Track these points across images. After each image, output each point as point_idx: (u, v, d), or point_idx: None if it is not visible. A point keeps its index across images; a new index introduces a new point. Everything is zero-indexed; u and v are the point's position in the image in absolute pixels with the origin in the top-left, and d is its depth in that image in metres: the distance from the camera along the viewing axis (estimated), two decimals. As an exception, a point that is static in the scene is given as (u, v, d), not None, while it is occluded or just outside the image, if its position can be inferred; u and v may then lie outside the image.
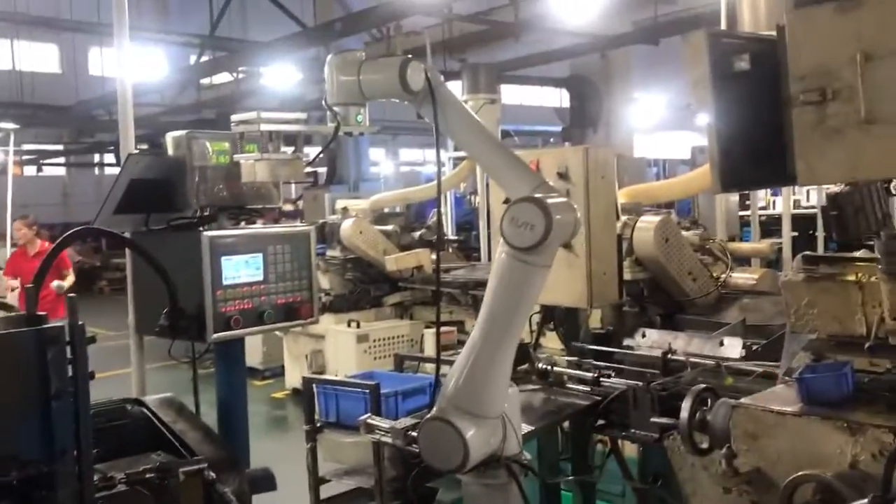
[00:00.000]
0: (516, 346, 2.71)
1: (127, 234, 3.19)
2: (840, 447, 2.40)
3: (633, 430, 3.67)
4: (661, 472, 3.69)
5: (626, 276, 5.49)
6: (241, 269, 3.04)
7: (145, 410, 3.00)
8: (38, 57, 23.88)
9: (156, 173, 3.12)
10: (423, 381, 5.38)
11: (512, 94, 30.98)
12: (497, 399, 2.64)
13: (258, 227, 3.18)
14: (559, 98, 21.77)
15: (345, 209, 9.66)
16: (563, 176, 4.07)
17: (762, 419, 2.57)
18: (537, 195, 2.59)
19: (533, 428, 3.78)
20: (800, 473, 2.32)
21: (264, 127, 2.76)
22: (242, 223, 3.28)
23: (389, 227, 9.56)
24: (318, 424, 4.80)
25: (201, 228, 3.01)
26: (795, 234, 9.42)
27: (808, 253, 3.04)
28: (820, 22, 2.13)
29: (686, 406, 2.80)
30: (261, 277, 3.10)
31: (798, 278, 2.94)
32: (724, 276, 6.22)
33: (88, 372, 2.02)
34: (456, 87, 11.97)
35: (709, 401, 2.84)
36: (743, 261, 7.32)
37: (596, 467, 4.21)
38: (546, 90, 25.81)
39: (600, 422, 3.93)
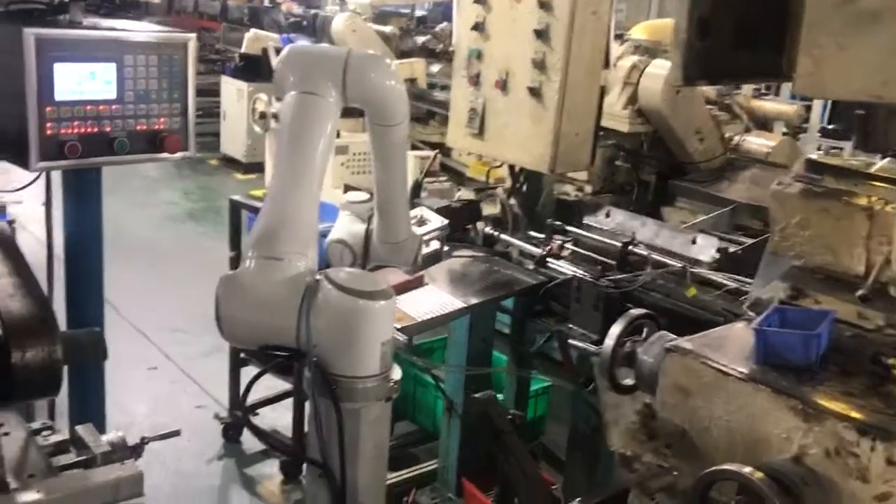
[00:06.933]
0: (313, 188, 2.23)
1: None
2: (788, 432, 1.83)
3: (570, 326, 3.15)
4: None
5: (625, 128, 4.81)
6: (84, 83, 2.36)
7: (-38, 242, 2.45)
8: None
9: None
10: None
11: None
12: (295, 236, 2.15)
13: (113, 29, 2.45)
14: None
15: (343, 1, 8.67)
16: (544, 5, 3.28)
17: (698, 373, 1.99)
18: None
19: (464, 305, 3.30)
20: (719, 468, 1.76)
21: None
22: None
23: (388, 29, 8.58)
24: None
25: (27, 23, 2.29)
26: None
27: (813, 157, 2.33)
28: None
29: (614, 332, 2.22)
30: (113, 95, 2.42)
31: (793, 189, 2.26)
32: (736, 138, 5.52)
33: None
34: None
35: (645, 330, 2.25)
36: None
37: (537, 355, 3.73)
38: None
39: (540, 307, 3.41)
